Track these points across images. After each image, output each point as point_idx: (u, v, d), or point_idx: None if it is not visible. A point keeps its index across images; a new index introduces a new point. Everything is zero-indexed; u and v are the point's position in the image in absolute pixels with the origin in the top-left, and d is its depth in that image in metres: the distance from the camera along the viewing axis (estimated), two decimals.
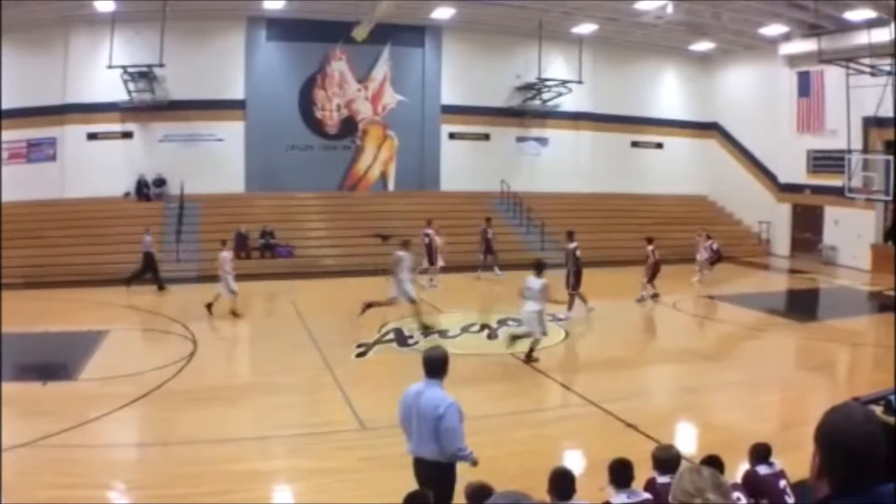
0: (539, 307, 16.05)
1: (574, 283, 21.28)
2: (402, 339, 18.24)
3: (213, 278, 25.08)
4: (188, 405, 12.77)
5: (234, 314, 20.54)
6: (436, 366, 7.69)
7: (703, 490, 2.99)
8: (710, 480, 3.05)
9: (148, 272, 24.87)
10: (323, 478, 9.85)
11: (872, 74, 27.58)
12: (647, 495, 7.00)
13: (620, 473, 7.05)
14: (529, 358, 16.02)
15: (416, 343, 17.83)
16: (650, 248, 24.68)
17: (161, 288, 24.61)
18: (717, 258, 27.86)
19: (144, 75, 29.47)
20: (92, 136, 30.68)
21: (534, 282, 16.05)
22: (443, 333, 18.85)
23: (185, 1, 27.39)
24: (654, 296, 24.45)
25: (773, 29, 33.43)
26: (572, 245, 21.55)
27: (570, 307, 21.05)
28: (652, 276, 24.65)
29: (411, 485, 9.60)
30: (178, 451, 10.73)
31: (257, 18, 32.00)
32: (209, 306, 20.46)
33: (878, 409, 7.95)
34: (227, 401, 13.22)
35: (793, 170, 35.84)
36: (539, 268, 16.30)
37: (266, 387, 14.17)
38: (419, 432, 7.50)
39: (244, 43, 32.43)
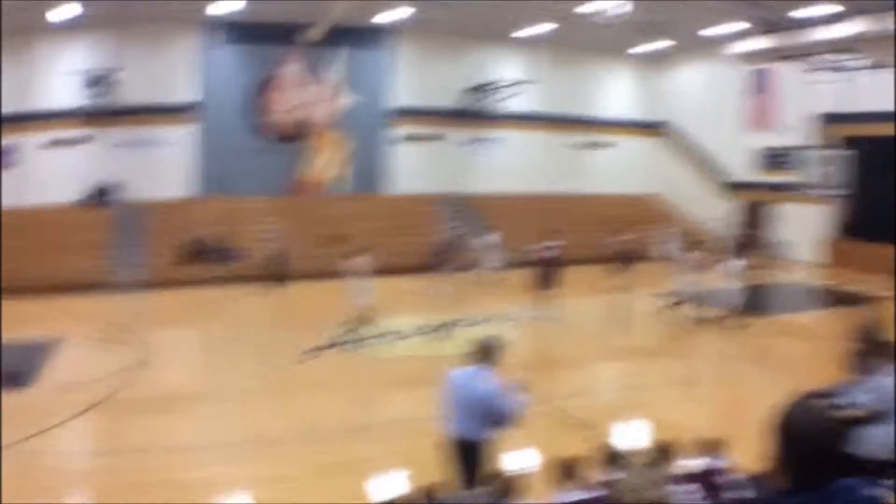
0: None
1: (536, 282, 21.56)
2: (350, 343, 18.30)
3: (161, 285, 25.20)
4: (139, 414, 12.81)
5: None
6: (485, 352, 8.01)
7: (650, 487, 3.13)
8: (656, 477, 3.18)
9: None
10: (270, 485, 9.96)
11: (831, 70, 27.98)
12: (594, 492, 6.98)
13: (570, 470, 7.15)
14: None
15: (365, 346, 17.99)
16: (624, 237, 25.62)
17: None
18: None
19: (102, 80, 29.36)
20: (51, 143, 30.30)
21: None
22: (396, 335, 18.97)
23: (141, 0, 27.14)
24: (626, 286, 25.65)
25: (727, 27, 33.82)
26: (539, 245, 21.73)
27: (537, 306, 21.42)
28: (626, 263, 25.61)
29: (357, 490, 9.79)
30: (129, 461, 10.78)
31: (213, 22, 31.71)
32: None
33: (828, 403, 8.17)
34: (175, 409, 13.27)
35: (743, 167, 36.42)
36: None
37: (214, 394, 14.24)
38: (459, 412, 7.92)
39: (198, 46, 32.24)
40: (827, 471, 2.79)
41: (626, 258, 26.56)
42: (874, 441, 7.77)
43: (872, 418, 7.90)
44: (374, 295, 19.69)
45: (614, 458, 7.38)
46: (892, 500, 6.53)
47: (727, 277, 20.17)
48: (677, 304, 21.83)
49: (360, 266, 19.64)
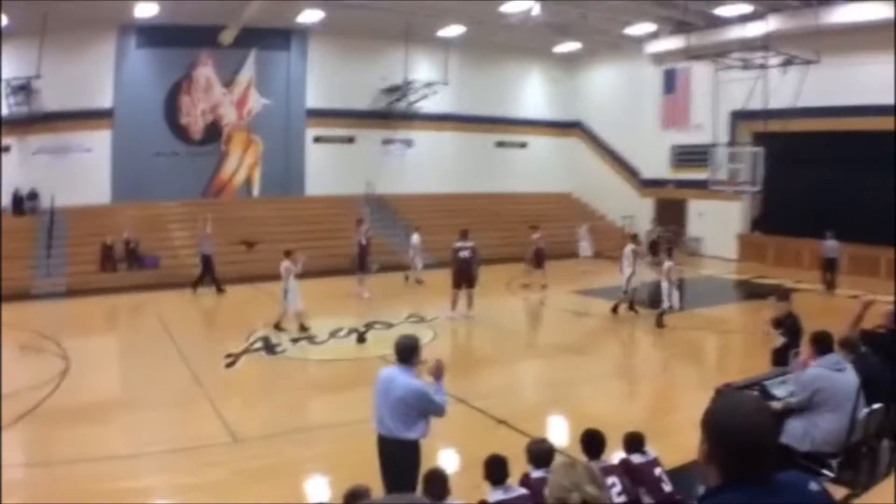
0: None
1: (455, 280, 21.51)
2: (270, 348, 18.04)
3: (81, 293, 24.64)
4: (65, 424, 12.44)
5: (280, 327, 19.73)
6: (405, 352, 8.01)
7: (579, 484, 2.97)
8: (584, 474, 3.03)
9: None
10: (197, 493, 9.71)
11: (743, 68, 28.39)
12: (522, 490, 7.03)
13: (495, 470, 7.08)
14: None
15: (284, 351, 17.75)
16: (535, 235, 25.50)
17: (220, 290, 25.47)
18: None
19: (23, 88, 28.74)
20: None
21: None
22: (311, 339, 18.73)
23: (59, 1, 26.42)
24: (543, 285, 25.87)
25: (640, 28, 34.29)
26: (456, 245, 21.65)
27: (454, 306, 21.36)
28: (538, 263, 25.50)
29: (285, 495, 9.61)
30: (59, 472, 10.44)
31: (128, 26, 31.14)
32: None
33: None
34: (100, 418, 12.89)
35: (656, 165, 37.11)
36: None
37: (137, 402, 13.87)
38: (384, 412, 7.97)
39: (114, 51, 31.58)
40: (759, 466, 2.73)
41: (538, 256, 26.60)
42: (792, 433, 7.82)
43: (800, 410, 7.92)
44: (300, 299, 19.47)
45: (538, 456, 7.32)
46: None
47: (663, 274, 20.25)
48: (620, 301, 22.07)
49: (287, 270, 19.33)
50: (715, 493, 2.80)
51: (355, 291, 24.47)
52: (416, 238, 27.24)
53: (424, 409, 7.91)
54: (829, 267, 25.64)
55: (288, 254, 19.92)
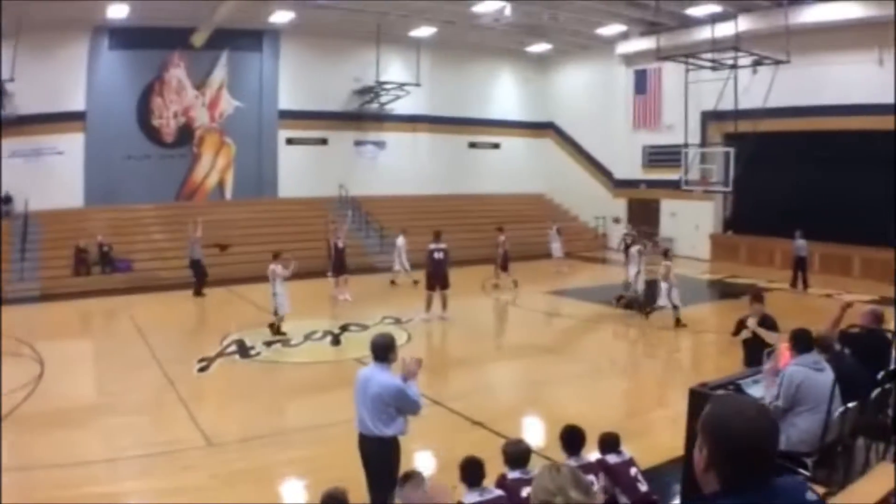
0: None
1: (429, 282, 21.56)
2: (244, 351, 17.93)
3: (54, 297, 24.46)
4: (42, 428, 12.32)
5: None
6: (381, 351, 8.15)
7: (564, 488, 2.93)
8: (569, 478, 2.99)
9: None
10: (174, 497, 9.67)
11: (713, 69, 28.56)
12: (499, 492, 7.01)
13: (471, 471, 7.06)
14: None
15: (258, 354, 17.65)
16: (501, 237, 25.57)
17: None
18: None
19: None
20: None
21: None
22: (285, 342, 18.64)
23: (33, 1, 26.19)
24: (514, 283, 26.06)
25: (611, 29, 34.52)
26: (431, 246, 21.65)
27: (428, 307, 21.37)
28: (504, 265, 25.73)
29: (263, 499, 9.59)
30: (38, 477, 10.34)
31: (101, 28, 30.91)
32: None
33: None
34: (75, 423, 12.79)
35: (628, 165, 37.26)
36: None
37: (112, 407, 13.76)
38: (362, 410, 8.09)
39: (87, 53, 31.29)
40: (761, 472, 2.66)
41: (505, 258, 26.66)
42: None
43: (786, 410, 7.96)
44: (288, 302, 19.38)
45: (514, 457, 7.32)
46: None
47: (661, 274, 20.41)
48: (621, 298, 22.35)
49: (273, 273, 19.17)
50: (714, 501, 2.74)
51: (333, 294, 24.38)
52: (401, 240, 27.18)
53: (400, 405, 7.99)
54: (799, 266, 25.87)
55: (276, 256, 19.69)
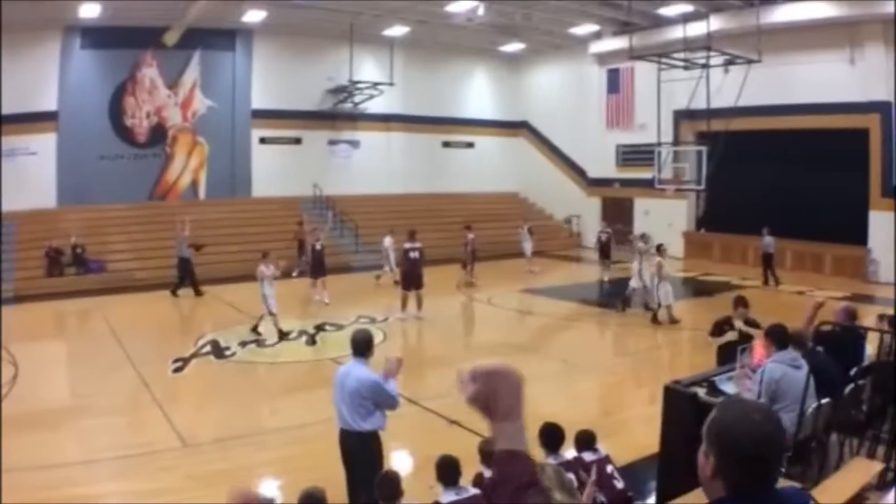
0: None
1: (403, 282, 21.60)
2: (218, 352, 17.87)
3: (28, 298, 24.29)
4: (19, 430, 12.20)
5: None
6: (360, 346, 8.30)
7: (549, 489, 2.89)
8: (554, 479, 2.96)
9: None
10: (150, 498, 9.65)
11: (685, 68, 28.69)
12: (475, 491, 7.02)
13: (448, 471, 7.07)
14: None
15: (234, 354, 17.62)
16: (470, 236, 25.67)
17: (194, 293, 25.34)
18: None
19: None
20: None
21: None
22: (260, 342, 18.61)
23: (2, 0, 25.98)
24: (472, 283, 26.41)
25: (584, 28, 34.66)
26: (406, 245, 21.65)
27: (403, 307, 21.39)
28: (468, 262, 26.33)
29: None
30: (15, 479, 10.21)
31: (72, 27, 30.67)
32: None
33: (701, 391, 8.27)
34: (50, 425, 12.71)
35: (602, 164, 37.44)
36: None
37: (86, 409, 13.70)
38: (341, 405, 8.20)
39: (59, 52, 31.02)
40: (768, 478, 2.62)
41: (472, 256, 26.80)
42: None
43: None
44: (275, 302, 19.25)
45: (491, 456, 7.27)
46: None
47: (654, 271, 20.54)
48: (627, 298, 22.33)
49: (261, 273, 19.06)
50: None
51: (311, 295, 24.30)
52: (388, 240, 27.13)
53: (377, 399, 8.07)
54: (766, 262, 26.15)
55: (264, 255, 19.56)
